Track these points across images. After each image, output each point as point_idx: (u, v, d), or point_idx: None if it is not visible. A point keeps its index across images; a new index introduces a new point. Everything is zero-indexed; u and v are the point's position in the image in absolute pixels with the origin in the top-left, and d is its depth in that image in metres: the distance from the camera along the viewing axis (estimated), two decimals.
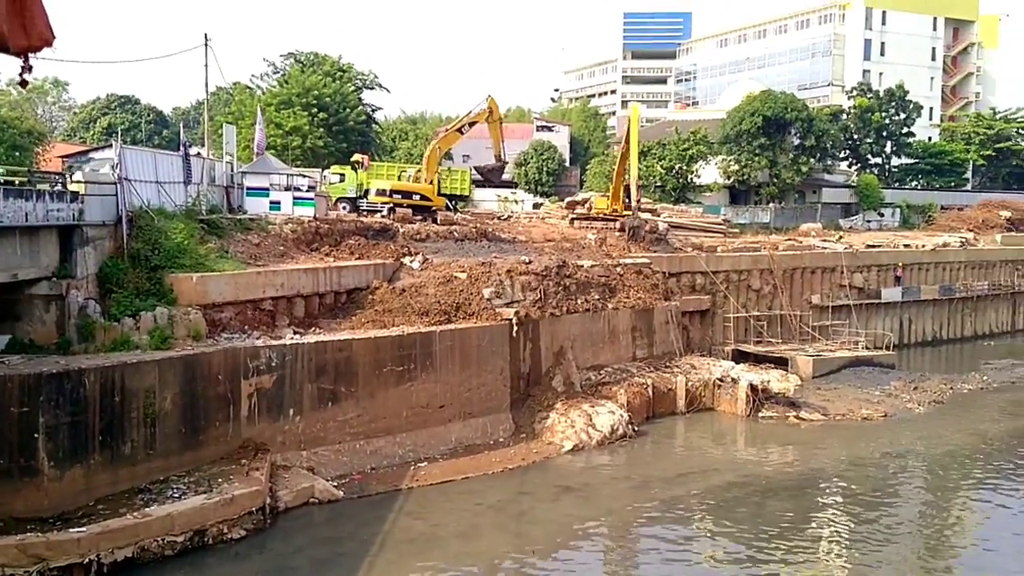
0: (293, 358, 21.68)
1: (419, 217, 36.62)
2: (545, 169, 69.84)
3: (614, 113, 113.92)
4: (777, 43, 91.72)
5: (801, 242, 46.52)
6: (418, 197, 37.69)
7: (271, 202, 30.39)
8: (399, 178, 41.96)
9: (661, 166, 56.86)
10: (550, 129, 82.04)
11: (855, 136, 68.33)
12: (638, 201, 39.74)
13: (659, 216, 44.49)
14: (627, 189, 41.55)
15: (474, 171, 49.10)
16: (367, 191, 39.19)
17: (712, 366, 32.18)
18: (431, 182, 39.14)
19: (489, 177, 42.75)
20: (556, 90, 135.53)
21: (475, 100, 39.06)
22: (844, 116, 68.14)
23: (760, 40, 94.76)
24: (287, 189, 30.75)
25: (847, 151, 68.79)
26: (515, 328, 27.03)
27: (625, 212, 40.17)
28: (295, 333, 23.42)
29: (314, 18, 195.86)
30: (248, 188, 30.76)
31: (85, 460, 17.74)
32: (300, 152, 56.11)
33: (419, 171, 40.27)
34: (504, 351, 26.64)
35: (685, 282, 37.68)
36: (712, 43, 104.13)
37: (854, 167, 70.41)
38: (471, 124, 38.88)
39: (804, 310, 41.17)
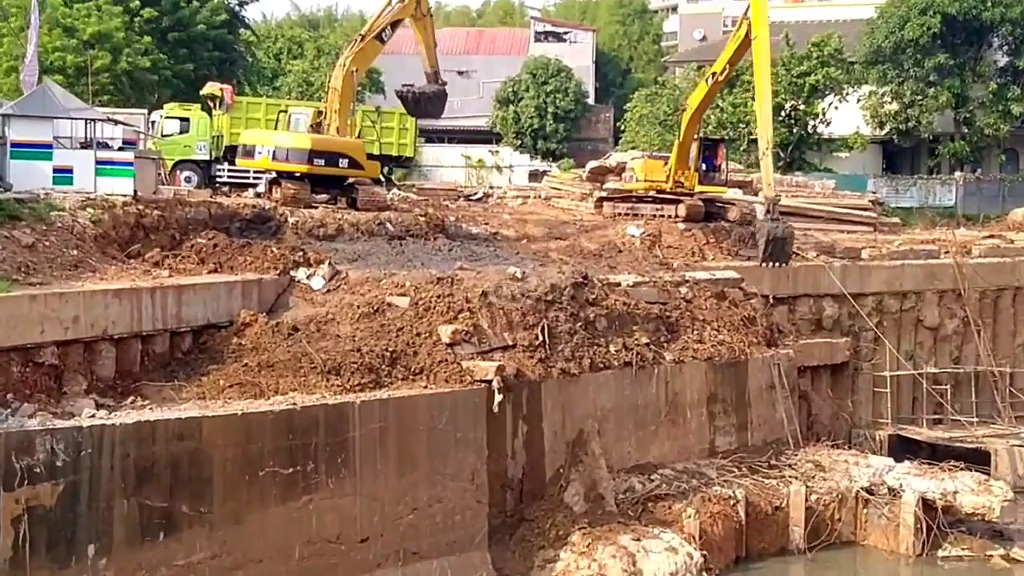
0: (95, 452, 21.57)
1: (324, 197, 36.63)
2: (551, 110, 70.37)
3: (675, 8, 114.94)
4: None
5: (1012, 241, 46.90)
6: (346, 163, 37.24)
7: (56, 169, 30.40)
8: (277, 124, 41.39)
9: None
10: (560, 38, 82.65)
11: None
12: (771, 186, 36.45)
13: (757, 194, 44.81)
14: (705, 143, 41.70)
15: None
16: (230, 149, 39.18)
17: (853, 466, 32.37)
18: (359, 135, 38.90)
19: (427, 111, 42.51)
20: None
21: None
22: None
23: None
24: (86, 146, 30.79)
25: None
26: (498, 397, 27.11)
27: (702, 188, 40.21)
28: (99, 407, 23.38)
29: None
30: (15, 144, 30.73)
31: None
32: (110, 80, 56.17)
33: (319, 113, 40.02)
34: (478, 438, 26.71)
35: (804, 313, 38.03)
36: None
37: None
38: (394, 25, 39.06)
39: (1018, 364, 41.52)
